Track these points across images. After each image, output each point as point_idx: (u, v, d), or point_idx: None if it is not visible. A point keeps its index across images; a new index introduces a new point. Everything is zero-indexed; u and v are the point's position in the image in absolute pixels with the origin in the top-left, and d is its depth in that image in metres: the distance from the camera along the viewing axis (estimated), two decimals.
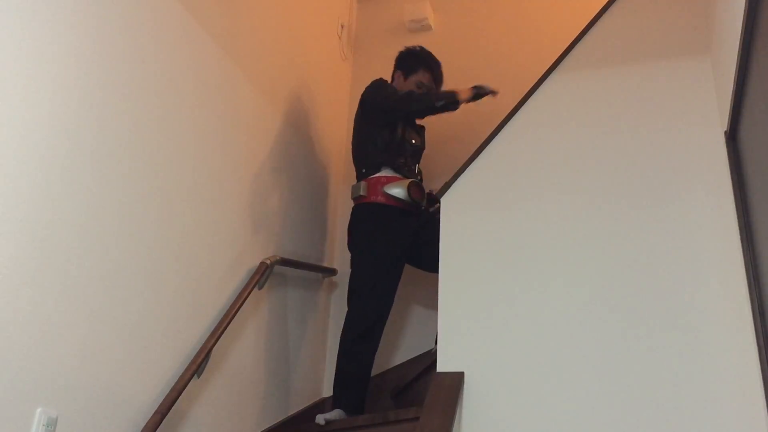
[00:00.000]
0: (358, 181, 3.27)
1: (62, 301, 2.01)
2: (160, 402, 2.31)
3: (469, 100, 3.22)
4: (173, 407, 2.32)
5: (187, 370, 2.43)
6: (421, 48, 3.50)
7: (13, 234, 1.87)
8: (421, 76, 3.39)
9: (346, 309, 3.12)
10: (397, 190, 3.17)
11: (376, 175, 3.22)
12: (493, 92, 3.21)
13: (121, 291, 2.25)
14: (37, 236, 1.94)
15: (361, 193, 3.20)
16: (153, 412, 2.26)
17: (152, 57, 2.48)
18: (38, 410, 1.88)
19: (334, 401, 3.04)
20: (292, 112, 3.48)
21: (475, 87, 3.22)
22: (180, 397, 2.35)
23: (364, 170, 3.27)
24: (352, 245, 3.25)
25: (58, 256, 2.01)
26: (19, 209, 1.89)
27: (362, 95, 3.37)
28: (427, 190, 3.29)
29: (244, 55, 3.08)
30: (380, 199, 3.17)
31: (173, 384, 2.38)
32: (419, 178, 3.32)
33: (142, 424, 2.23)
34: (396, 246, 3.15)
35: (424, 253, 3.12)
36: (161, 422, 2.25)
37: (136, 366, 2.28)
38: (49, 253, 1.98)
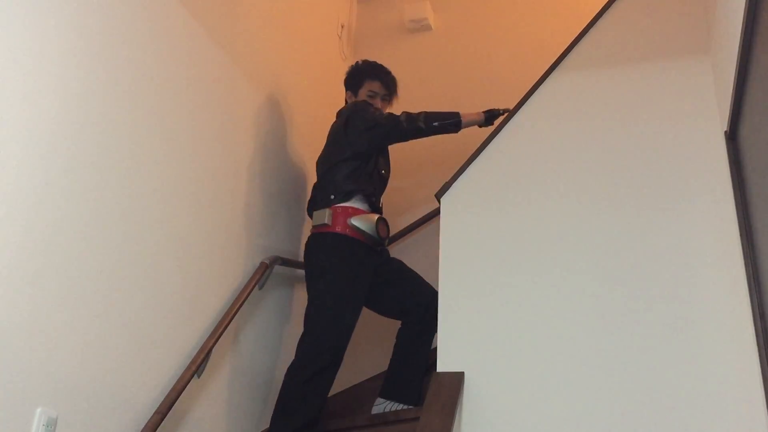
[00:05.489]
0: (322, 208, 3.00)
1: (62, 301, 2.01)
2: (160, 402, 2.31)
3: (481, 125, 3.11)
4: (173, 407, 2.32)
5: (187, 370, 2.43)
6: (363, 61, 3.35)
7: (13, 234, 1.87)
8: (369, 86, 3.21)
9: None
10: (366, 225, 2.95)
11: (344, 204, 2.99)
12: (506, 110, 2.97)
13: (122, 291, 2.25)
14: (37, 236, 1.94)
15: (326, 221, 2.95)
16: (153, 412, 2.26)
17: (153, 58, 2.48)
18: (38, 410, 1.88)
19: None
20: (292, 112, 3.48)
21: (487, 111, 3.11)
22: (180, 397, 2.35)
23: (332, 196, 3.00)
24: (311, 276, 2.98)
25: (58, 257, 2.01)
26: (19, 209, 1.89)
27: (346, 113, 3.17)
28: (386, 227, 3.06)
29: (244, 55, 3.08)
30: (346, 231, 2.94)
31: (173, 384, 2.38)
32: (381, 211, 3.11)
33: (142, 424, 2.23)
34: (360, 282, 2.93)
35: (385, 294, 3.00)
36: (161, 422, 2.25)
37: (136, 366, 2.28)
38: (50, 254, 1.98)
